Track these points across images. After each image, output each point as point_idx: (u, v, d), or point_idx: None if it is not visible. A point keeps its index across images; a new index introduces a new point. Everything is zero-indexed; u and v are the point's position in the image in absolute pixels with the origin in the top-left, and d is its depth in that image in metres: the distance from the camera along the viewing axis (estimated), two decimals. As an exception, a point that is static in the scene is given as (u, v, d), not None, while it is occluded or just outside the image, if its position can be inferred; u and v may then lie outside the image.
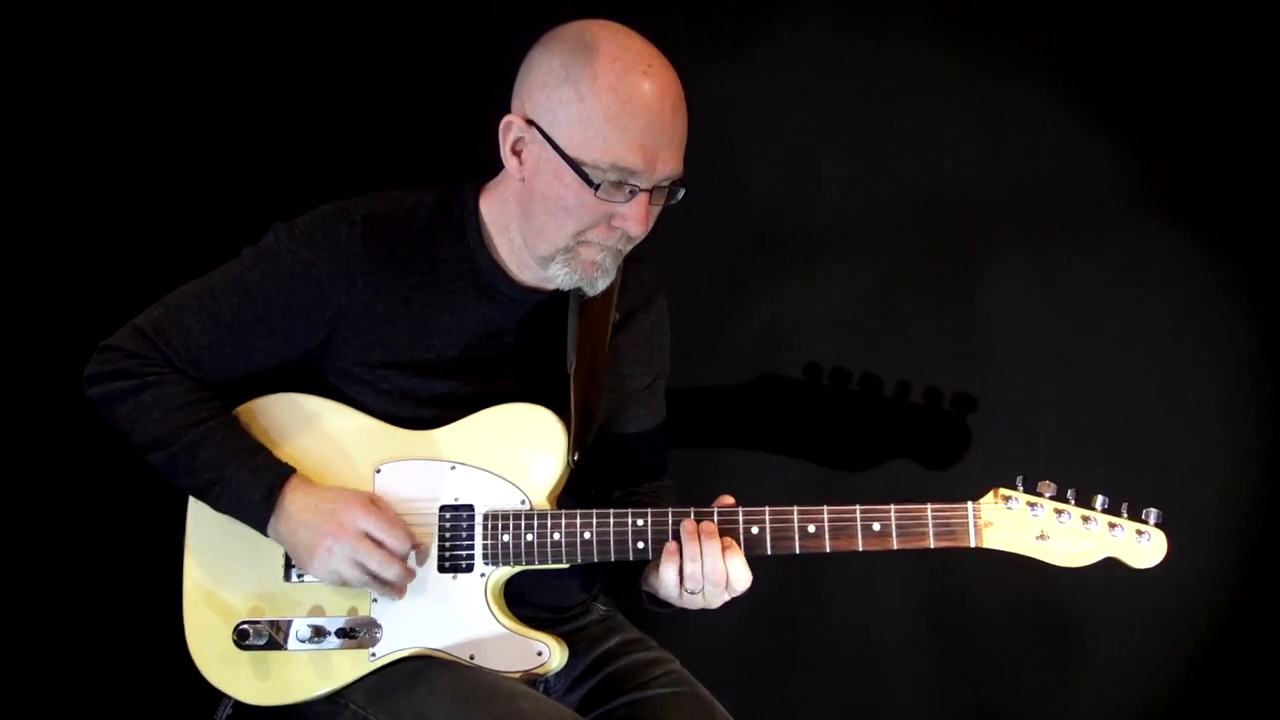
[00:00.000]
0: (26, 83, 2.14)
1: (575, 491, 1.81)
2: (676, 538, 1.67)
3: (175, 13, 2.21)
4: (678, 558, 1.65)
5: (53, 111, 2.16)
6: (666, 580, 1.66)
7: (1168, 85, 2.21)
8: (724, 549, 1.64)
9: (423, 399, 1.74)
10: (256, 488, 1.67)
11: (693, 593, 1.66)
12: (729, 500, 1.69)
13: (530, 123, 1.62)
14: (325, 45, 2.28)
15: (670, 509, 1.69)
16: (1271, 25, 2.16)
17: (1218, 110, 2.19)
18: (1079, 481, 1.67)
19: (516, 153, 1.66)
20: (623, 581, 1.82)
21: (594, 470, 1.91)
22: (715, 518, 1.68)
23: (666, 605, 1.76)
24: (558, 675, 1.80)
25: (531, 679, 1.71)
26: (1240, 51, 2.18)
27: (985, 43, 2.25)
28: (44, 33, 2.15)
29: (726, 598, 1.67)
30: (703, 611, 1.85)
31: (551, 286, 1.76)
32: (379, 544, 1.65)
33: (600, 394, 1.78)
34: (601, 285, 1.72)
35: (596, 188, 1.59)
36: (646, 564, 1.73)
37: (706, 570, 1.63)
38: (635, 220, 1.63)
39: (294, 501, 1.67)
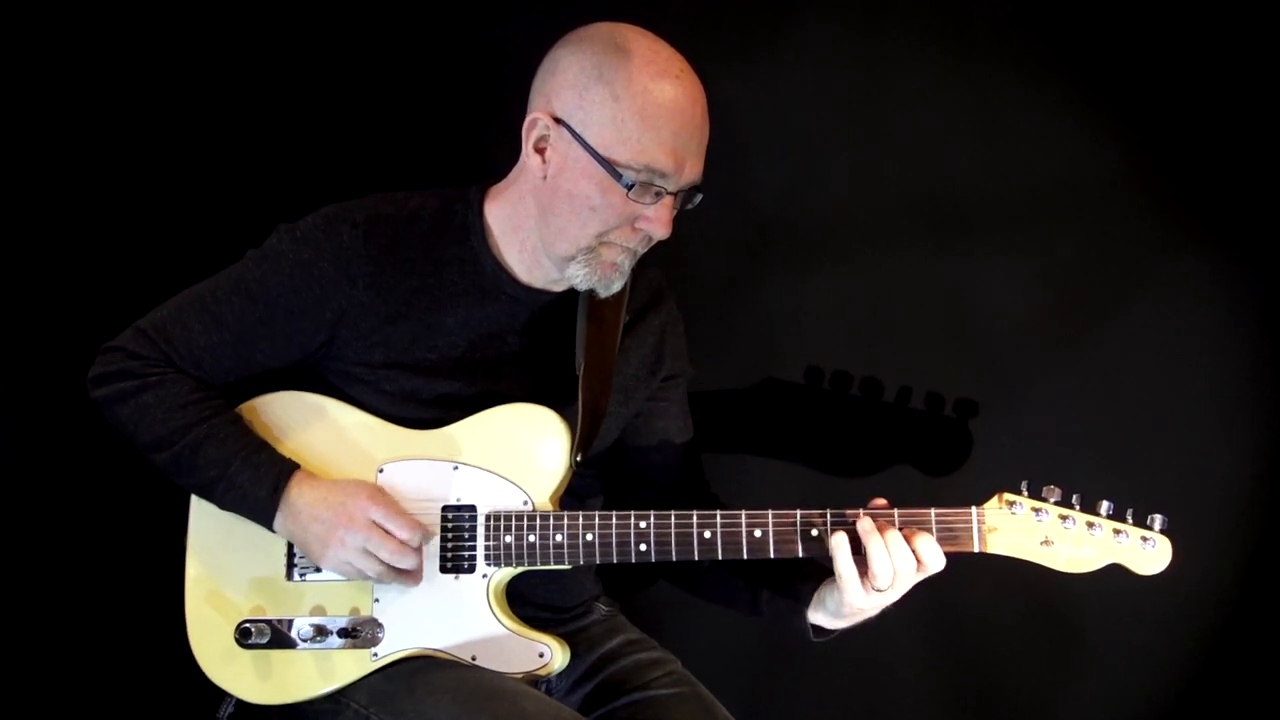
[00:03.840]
0: (28, 83, 2.13)
1: (613, 500, 1.82)
2: (680, 542, 1.66)
3: (180, 12, 2.20)
4: (850, 556, 1.60)
5: (56, 112, 2.16)
6: (850, 586, 1.60)
7: (1168, 85, 2.19)
8: (908, 537, 1.60)
9: (425, 400, 1.74)
10: (261, 484, 1.67)
11: (881, 590, 1.61)
12: (882, 502, 1.66)
13: (559, 121, 1.62)
14: (331, 47, 2.28)
15: (673, 512, 1.68)
16: (1272, 25, 2.14)
17: (1218, 110, 2.18)
18: (1084, 486, 1.66)
19: (540, 150, 1.65)
20: (784, 619, 1.77)
21: (626, 474, 1.92)
22: (718, 520, 1.67)
23: (831, 633, 1.74)
24: (560, 675, 1.80)
25: (533, 680, 1.71)
26: (1240, 51, 2.17)
27: (985, 43, 2.24)
28: (45, 33, 2.14)
29: (917, 579, 1.63)
30: (704, 612, 1.85)
31: (561, 288, 1.76)
32: (389, 533, 1.65)
33: (609, 395, 1.77)
34: (617, 286, 1.72)
35: (630, 188, 1.59)
36: (807, 594, 1.70)
37: (897, 563, 1.59)
38: (661, 223, 1.63)
39: (300, 496, 1.67)
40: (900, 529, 1.61)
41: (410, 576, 1.68)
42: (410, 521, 1.66)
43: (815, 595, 1.72)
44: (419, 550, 1.68)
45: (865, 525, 1.61)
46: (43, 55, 2.14)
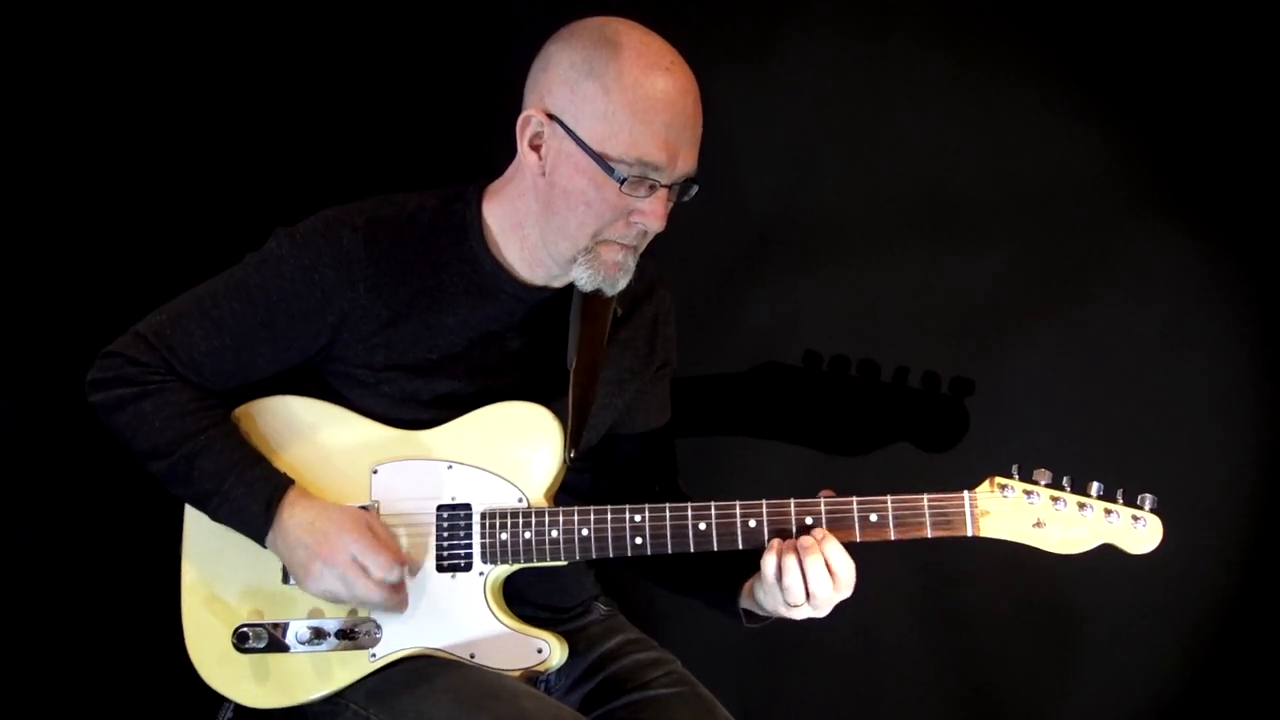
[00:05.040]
0: (28, 84, 2.15)
1: (589, 495, 1.82)
2: (675, 535, 1.67)
3: (178, 13, 2.22)
4: (775, 566, 1.62)
5: (55, 114, 2.17)
6: (770, 598, 1.64)
7: (1168, 85, 2.22)
8: (818, 542, 1.61)
9: (424, 400, 1.75)
10: (254, 501, 1.67)
11: (795, 605, 1.63)
12: (829, 492, 1.67)
13: (551, 117, 1.63)
14: (329, 47, 2.30)
15: (667, 505, 1.69)
16: (1271, 25, 2.17)
17: (1218, 110, 2.20)
18: (1075, 469, 1.67)
19: (535, 148, 1.66)
20: (719, 603, 1.79)
21: (603, 471, 1.92)
22: (713, 512, 1.67)
23: (764, 619, 1.76)
24: (559, 675, 1.80)
25: (532, 677, 1.71)
26: (1240, 51, 2.19)
27: (985, 43, 2.26)
28: (44, 33, 2.16)
29: (841, 597, 1.63)
30: (703, 612, 1.85)
31: (560, 284, 1.76)
32: (367, 571, 1.64)
33: (596, 389, 1.78)
34: (623, 284, 1.72)
35: (622, 182, 1.60)
36: (742, 584, 1.71)
37: (813, 586, 1.60)
38: (655, 216, 1.64)
39: (291, 517, 1.67)
40: (818, 540, 1.62)
41: (393, 609, 1.68)
42: (388, 560, 1.64)
43: (746, 585, 1.72)
44: (399, 586, 1.67)
45: (777, 546, 1.62)
46: (43, 55, 2.16)
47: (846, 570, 1.62)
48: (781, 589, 1.62)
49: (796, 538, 1.63)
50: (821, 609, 1.64)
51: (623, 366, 1.87)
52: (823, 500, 1.66)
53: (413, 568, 1.70)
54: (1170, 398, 2.24)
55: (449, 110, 2.33)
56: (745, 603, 1.74)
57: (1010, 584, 2.26)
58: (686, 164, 1.64)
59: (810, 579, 1.60)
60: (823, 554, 1.60)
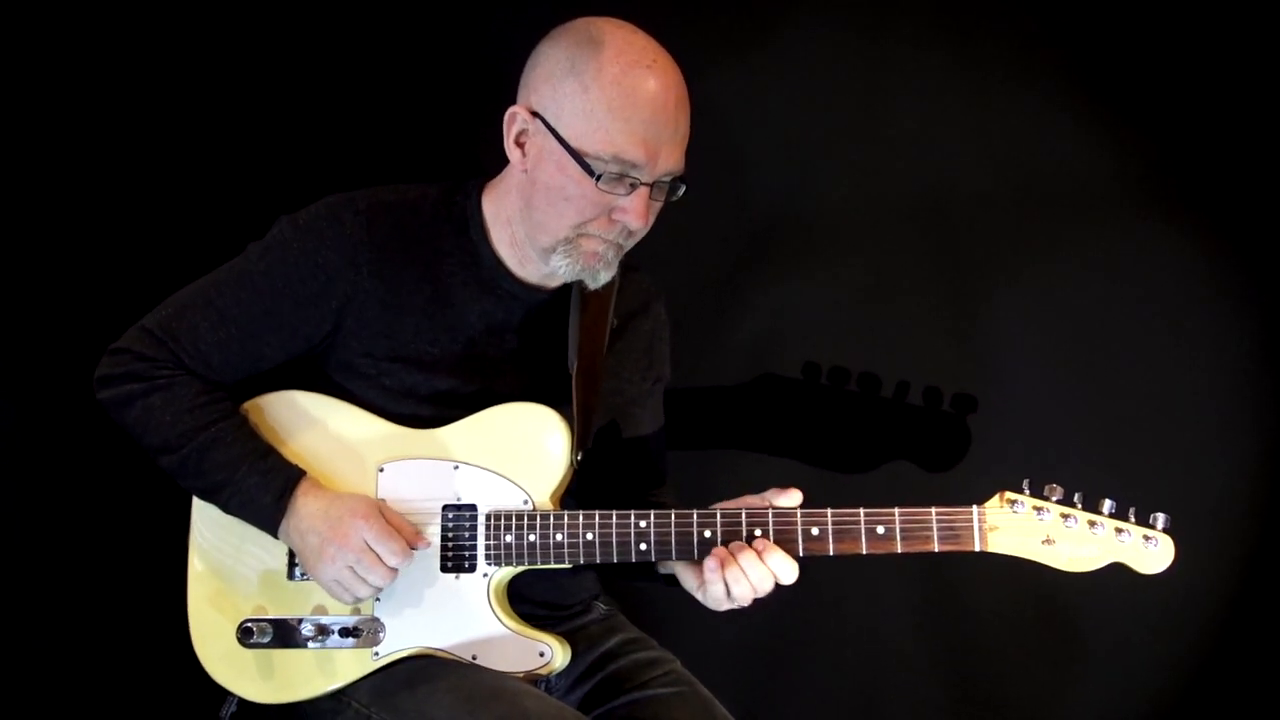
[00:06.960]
0: (27, 83, 2.14)
1: (582, 500, 1.82)
2: (680, 541, 1.67)
3: (178, 11, 2.21)
4: (720, 575, 1.64)
5: (54, 111, 2.16)
6: (715, 597, 1.67)
7: (1168, 85, 2.20)
8: (760, 554, 1.63)
9: (424, 396, 1.75)
10: (268, 491, 1.67)
11: (743, 606, 1.67)
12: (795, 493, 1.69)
13: (535, 114, 1.64)
14: (329, 43, 2.29)
15: (673, 510, 1.69)
16: (1272, 25, 2.15)
17: (1218, 110, 2.19)
18: (1085, 484, 1.66)
19: (520, 144, 1.68)
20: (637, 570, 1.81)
21: (598, 477, 1.91)
22: (718, 519, 1.67)
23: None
24: (559, 674, 1.80)
25: (534, 679, 1.72)
26: (1240, 51, 2.17)
27: (985, 43, 2.25)
28: (44, 32, 2.15)
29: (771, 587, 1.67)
30: (702, 611, 1.86)
31: (553, 283, 1.77)
32: (380, 558, 1.65)
33: (598, 396, 1.78)
34: (604, 277, 1.72)
35: (598, 178, 1.60)
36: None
37: (754, 582, 1.63)
38: (635, 213, 1.64)
39: (305, 506, 1.67)
40: (753, 543, 1.64)
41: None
42: (400, 547, 1.65)
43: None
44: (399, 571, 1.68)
45: (719, 554, 1.64)
46: (43, 55, 2.15)
47: (784, 570, 1.64)
48: (734, 598, 1.65)
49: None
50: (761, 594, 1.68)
51: (623, 378, 1.88)
52: (829, 511, 1.66)
53: (417, 566, 1.70)
54: (1173, 403, 2.23)
55: (449, 109, 2.32)
56: (667, 568, 1.77)
57: (1012, 587, 2.26)
58: (668, 162, 1.64)
59: (752, 579, 1.63)
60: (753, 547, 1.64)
